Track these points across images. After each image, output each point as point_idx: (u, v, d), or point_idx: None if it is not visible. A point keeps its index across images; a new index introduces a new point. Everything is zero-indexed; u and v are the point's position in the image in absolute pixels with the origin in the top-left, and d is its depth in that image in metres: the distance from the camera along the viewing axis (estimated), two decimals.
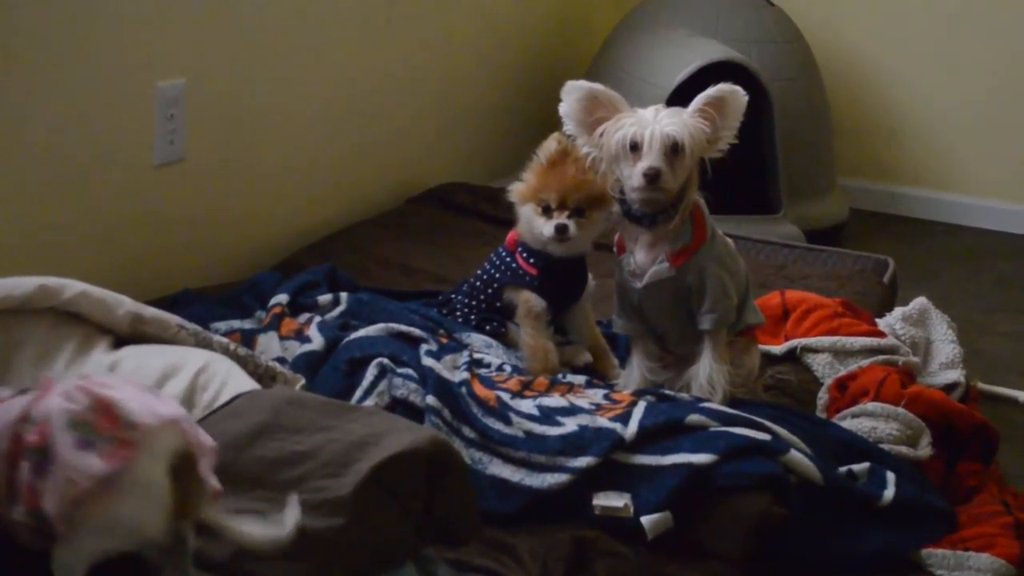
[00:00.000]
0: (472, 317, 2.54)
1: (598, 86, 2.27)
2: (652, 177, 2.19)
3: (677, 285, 2.28)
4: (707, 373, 2.29)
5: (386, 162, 3.57)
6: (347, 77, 3.34)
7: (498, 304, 2.51)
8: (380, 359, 2.26)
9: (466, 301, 2.56)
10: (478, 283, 2.55)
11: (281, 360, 2.32)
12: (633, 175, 2.21)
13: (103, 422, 1.47)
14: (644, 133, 2.19)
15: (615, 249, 2.36)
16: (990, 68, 4.45)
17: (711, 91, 2.24)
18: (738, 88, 2.25)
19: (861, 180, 4.63)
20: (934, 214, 4.57)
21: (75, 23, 2.50)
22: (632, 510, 2.03)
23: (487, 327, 2.51)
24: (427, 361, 2.26)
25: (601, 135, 2.25)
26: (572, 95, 2.27)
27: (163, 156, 2.76)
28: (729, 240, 2.38)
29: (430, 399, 2.17)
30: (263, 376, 2.07)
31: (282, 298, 2.56)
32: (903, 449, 2.38)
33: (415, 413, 2.16)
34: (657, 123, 2.20)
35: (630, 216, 2.28)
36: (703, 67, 3.71)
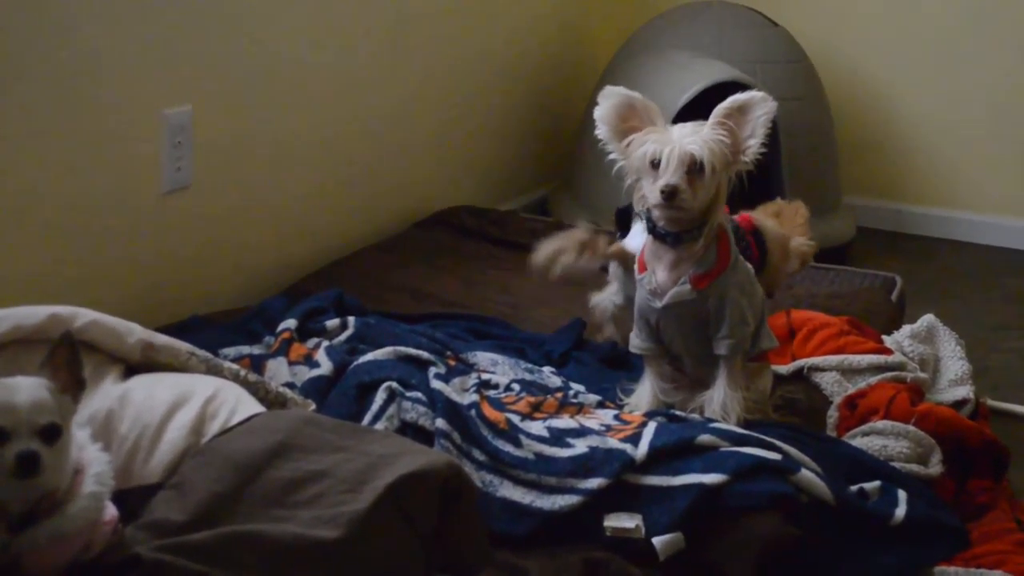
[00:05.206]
0: None
1: (636, 94, 2.25)
2: (669, 194, 2.18)
3: (697, 308, 2.27)
4: (721, 399, 2.28)
5: (392, 187, 3.58)
6: (353, 103, 3.35)
7: None
8: (389, 383, 2.26)
9: None
10: None
11: (290, 385, 2.32)
12: (652, 192, 2.21)
13: None
14: (664, 150, 2.19)
15: (635, 267, 2.35)
16: (994, 85, 4.46)
17: (728, 102, 2.22)
18: (758, 94, 2.23)
19: (867, 198, 4.64)
20: (941, 231, 4.58)
21: (82, 51, 2.51)
22: (643, 531, 2.03)
23: None
24: (436, 384, 2.26)
25: (628, 145, 2.24)
26: (609, 100, 2.26)
27: (170, 183, 2.77)
28: (749, 266, 2.37)
29: (440, 422, 2.16)
30: (274, 402, 2.06)
31: (290, 323, 2.56)
32: (914, 467, 2.38)
33: (425, 436, 2.16)
34: (679, 141, 2.19)
35: (655, 234, 2.28)
36: (708, 88, 3.72)
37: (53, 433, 1.55)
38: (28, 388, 1.56)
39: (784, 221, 2.79)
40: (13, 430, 1.53)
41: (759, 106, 2.22)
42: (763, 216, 2.79)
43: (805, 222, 2.83)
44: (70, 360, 1.62)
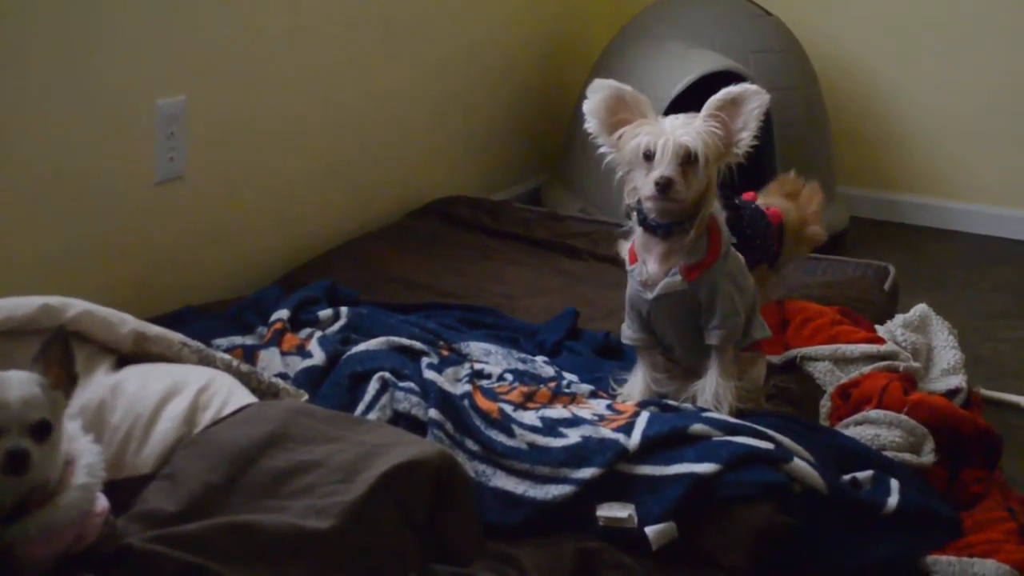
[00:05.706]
0: None
1: (626, 87, 2.25)
2: (664, 186, 2.18)
3: (688, 299, 2.27)
4: (713, 389, 2.29)
5: (386, 176, 3.57)
6: (346, 92, 3.35)
7: None
8: (382, 373, 2.27)
9: None
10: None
11: (283, 376, 2.32)
12: (646, 184, 2.21)
13: None
14: (658, 142, 2.19)
15: (626, 259, 2.35)
16: (987, 75, 4.46)
17: (722, 94, 2.22)
18: (752, 86, 2.22)
19: (860, 188, 4.63)
20: (934, 221, 4.58)
21: (75, 41, 2.50)
22: (636, 521, 2.03)
23: None
24: (429, 374, 2.26)
25: (619, 138, 2.24)
26: (598, 93, 2.25)
27: (163, 173, 2.77)
28: (740, 256, 2.38)
29: (433, 412, 2.17)
30: (266, 393, 2.07)
31: (283, 314, 2.56)
32: (907, 456, 2.38)
33: (418, 427, 2.16)
34: (672, 132, 2.19)
35: (646, 225, 2.27)
36: (702, 78, 3.71)
37: (44, 430, 1.55)
38: (19, 384, 1.56)
39: (799, 205, 2.80)
40: (4, 427, 1.53)
41: (752, 99, 2.22)
42: (778, 197, 2.79)
43: (819, 208, 2.83)
44: (63, 355, 1.62)
